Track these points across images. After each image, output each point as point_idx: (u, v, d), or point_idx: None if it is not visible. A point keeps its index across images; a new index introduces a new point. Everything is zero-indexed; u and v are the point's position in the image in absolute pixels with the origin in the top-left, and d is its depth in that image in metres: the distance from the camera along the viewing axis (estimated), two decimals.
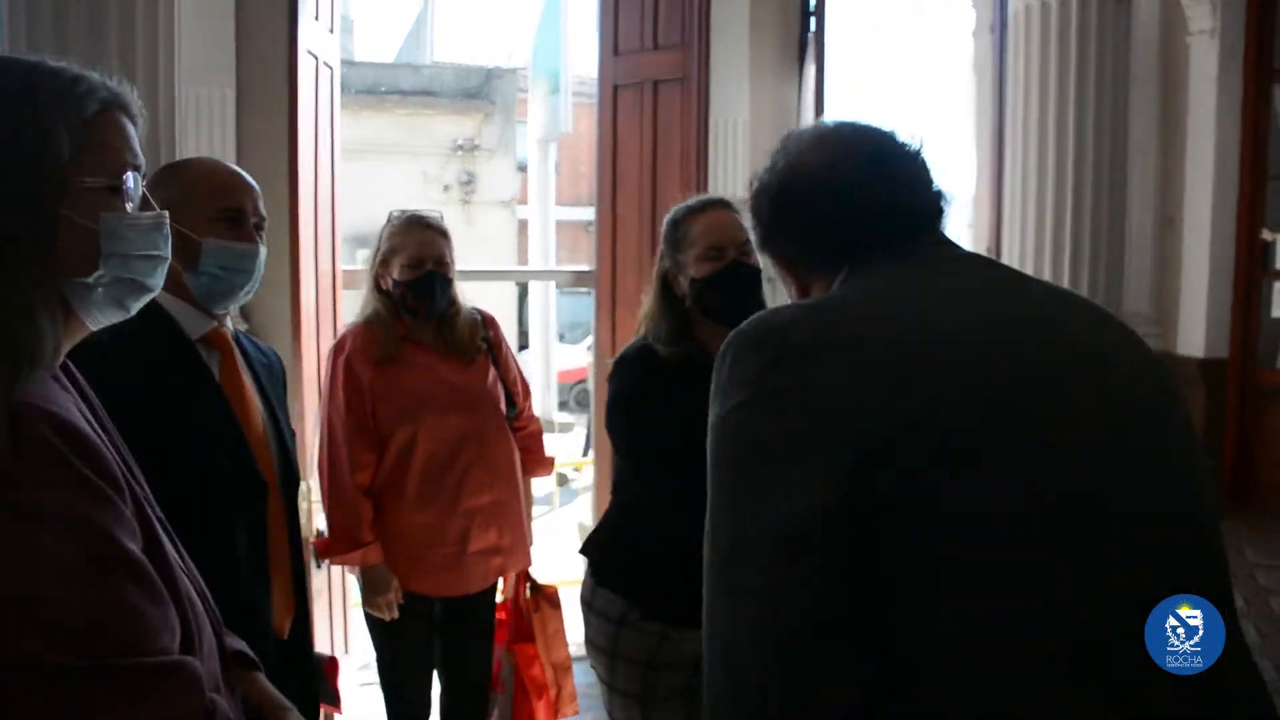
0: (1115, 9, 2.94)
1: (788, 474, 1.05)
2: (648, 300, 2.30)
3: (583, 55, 16.03)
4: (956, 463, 1.04)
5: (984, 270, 1.30)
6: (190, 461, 1.74)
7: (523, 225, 15.82)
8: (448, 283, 2.78)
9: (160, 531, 1.10)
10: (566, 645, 3.04)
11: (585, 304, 14.23)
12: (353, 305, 4.18)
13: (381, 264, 2.80)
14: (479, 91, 17.12)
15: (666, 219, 2.29)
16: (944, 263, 1.27)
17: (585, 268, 4.88)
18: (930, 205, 1.31)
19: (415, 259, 2.74)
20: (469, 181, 16.90)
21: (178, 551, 1.17)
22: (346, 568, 2.93)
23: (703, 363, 2.15)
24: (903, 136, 1.34)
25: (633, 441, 2.23)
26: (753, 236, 1.45)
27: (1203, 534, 1.14)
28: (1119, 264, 3.45)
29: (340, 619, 3.96)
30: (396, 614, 2.77)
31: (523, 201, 16.21)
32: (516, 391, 3.00)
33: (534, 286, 14.74)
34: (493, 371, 2.91)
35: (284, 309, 3.61)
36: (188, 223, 1.81)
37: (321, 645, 3.75)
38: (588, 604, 2.29)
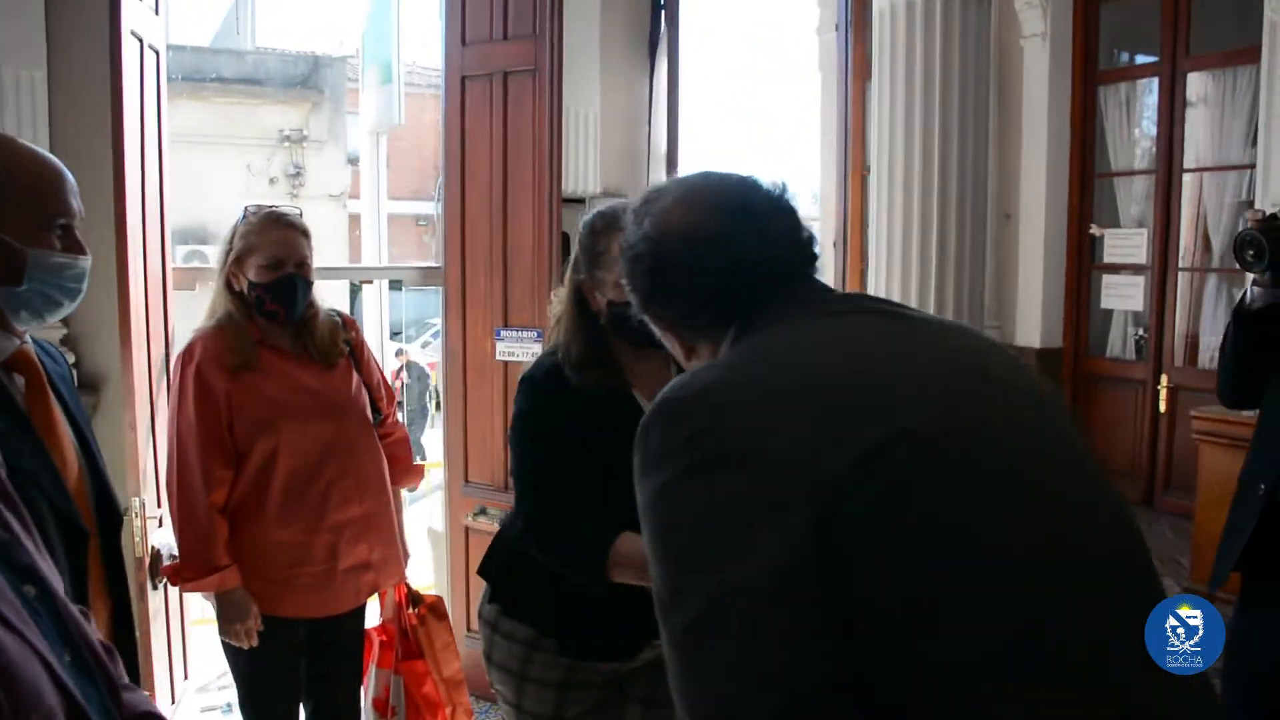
0: (977, 9, 2.98)
1: (747, 534, 1.01)
2: (558, 307, 2.15)
3: (415, 44, 15.66)
4: (917, 491, 1.03)
5: (877, 309, 1.31)
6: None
7: (354, 219, 15.36)
8: (309, 285, 2.59)
9: None
10: (458, 658, 2.90)
11: (424, 301, 13.93)
12: (184, 309, 3.93)
13: (235, 263, 2.58)
14: (307, 80, 16.51)
15: (584, 225, 2.11)
16: (831, 304, 1.28)
17: (433, 264, 4.70)
18: (804, 253, 1.32)
19: (274, 259, 2.54)
20: (297, 174, 16.29)
21: (35, 602, 0.98)
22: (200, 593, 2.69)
23: (616, 385, 2.07)
24: (765, 183, 1.33)
25: (536, 464, 2.08)
26: (631, 299, 1.39)
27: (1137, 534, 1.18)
28: (981, 259, 3.51)
29: (178, 641, 3.70)
30: (256, 642, 2.56)
31: (354, 195, 15.73)
32: (380, 397, 2.83)
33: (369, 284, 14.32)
34: (356, 377, 2.73)
35: (110, 314, 3.29)
36: (7, 226, 1.56)
37: (159, 670, 3.50)
38: (491, 625, 2.17)
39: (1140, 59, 5.90)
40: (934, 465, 1.05)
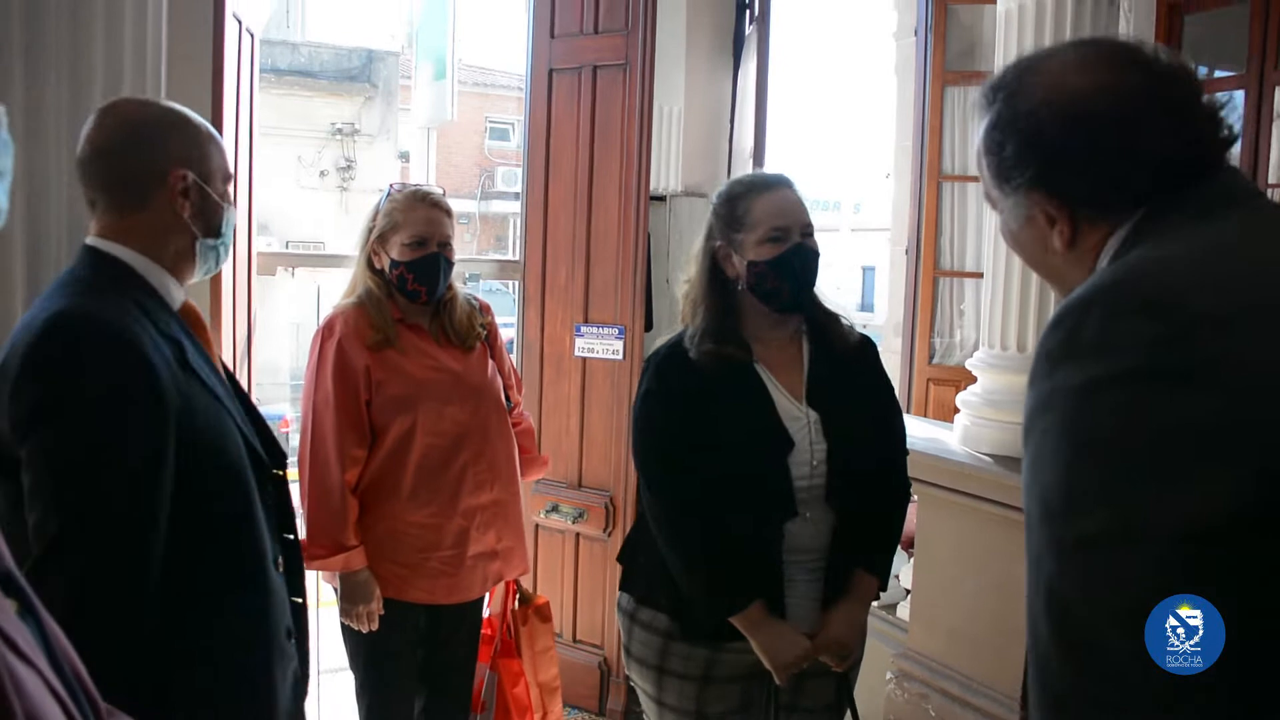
0: (1108, 10, 2.91)
1: (1195, 468, 0.87)
2: (690, 273, 2.17)
3: (467, 40, 15.75)
4: None
5: None
6: (228, 448, 1.61)
7: None
8: (451, 266, 2.57)
9: None
10: (555, 664, 2.86)
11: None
12: (264, 292, 3.92)
13: (378, 240, 2.57)
14: (360, 74, 16.58)
15: (719, 195, 2.16)
16: (1263, 201, 1.11)
17: (511, 257, 4.68)
18: (1222, 130, 1.11)
19: (420, 237, 2.53)
20: (348, 167, 16.35)
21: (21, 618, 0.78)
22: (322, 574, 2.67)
23: (739, 360, 2.06)
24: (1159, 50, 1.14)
25: (655, 448, 2.11)
26: (992, 180, 1.19)
27: None
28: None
29: None
30: (376, 625, 2.54)
31: None
32: (511, 384, 2.79)
33: None
34: (491, 362, 2.70)
35: (203, 296, 3.29)
36: (211, 181, 1.66)
37: None
38: (629, 615, 2.16)
39: (1220, 73, 5.78)
40: None
